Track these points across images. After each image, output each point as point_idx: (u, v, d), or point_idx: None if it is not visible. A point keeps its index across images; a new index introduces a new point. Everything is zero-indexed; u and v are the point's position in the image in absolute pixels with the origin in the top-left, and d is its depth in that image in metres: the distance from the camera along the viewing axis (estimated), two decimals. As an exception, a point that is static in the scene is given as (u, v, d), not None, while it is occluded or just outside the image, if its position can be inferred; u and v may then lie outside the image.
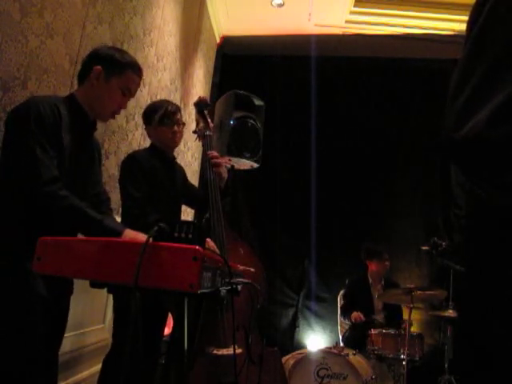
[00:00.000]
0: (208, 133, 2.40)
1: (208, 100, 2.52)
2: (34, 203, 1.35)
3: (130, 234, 1.37)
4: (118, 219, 2.02)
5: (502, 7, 0.70)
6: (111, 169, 2.60)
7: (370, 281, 3.87)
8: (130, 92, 1.59)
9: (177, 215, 2.28)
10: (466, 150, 0.70)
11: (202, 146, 2.45)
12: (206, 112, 2.44)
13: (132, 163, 2.06)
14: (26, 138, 1.33)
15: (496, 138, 0.65)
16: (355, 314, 3.56)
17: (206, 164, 2.28)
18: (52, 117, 1.39)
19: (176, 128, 2.17)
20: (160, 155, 2.16)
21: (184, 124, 2.26)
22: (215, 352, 1.92)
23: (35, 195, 1.33)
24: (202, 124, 2.43)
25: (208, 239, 1.92)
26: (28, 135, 1.33)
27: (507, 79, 0.66)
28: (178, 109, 2.22)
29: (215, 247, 1.92)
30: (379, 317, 3.71)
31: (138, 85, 1.63)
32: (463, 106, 0.70)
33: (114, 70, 1.53)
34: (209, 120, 2.42)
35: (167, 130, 2.15)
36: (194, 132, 2.48)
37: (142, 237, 1.36)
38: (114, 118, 1.65)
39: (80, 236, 1.57)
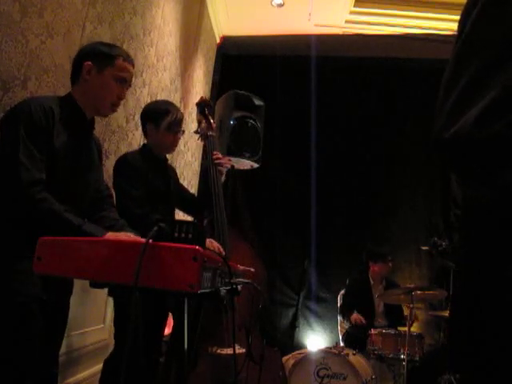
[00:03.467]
0: (211, 133, 2.39)
1: (210, 100, 2.52)
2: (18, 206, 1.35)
3: (111, 238, 1.36)
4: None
5: (492, 8, 0.70)
6: (111, 169, 2.60)
7: (371, 282, 3.86)
8: (125, 81, 1.58)
9: (172, 216, 2.27)
10: (455, 149, 0.70)
11: (204, 146, 2.44)
12: (207, 112, 2.44)
13: (125, 164, 2.05)
14: (13, 141, 1.33)
15: (484, 138, 0.65)
16: (355, 316, 3.55)
17: (209, 165, 2.28)
18: (44, 119, 1.39)
19: (178, 136, 2.17)
20: (152, 156, 2.15)
21: (184, 132, 2.24)
22: (218, 352, 1.93)
23: (15, 198, 1.33)
24: (204, 124, 2.42)
25: (212, 240, 1.93)
26: (15, 138, 1.33)
27: (496, 79, 0.66)
28: (183, 117, 2.21)
29: (220, 247, 1.92)
30: (380, 318, 3.71)
31: (132, 73, 1.61)
32: (452, 105, 0.70)
33: (105, 61, 1.53)
34: (211, 120, 2.42)
35: (171, 137, 2.13)
36: (196, 132, 2.47)
37: (124, 237, 1.36)
38: (115, 110, 1.64)
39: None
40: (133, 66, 1.62)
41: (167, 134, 2.12)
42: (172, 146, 2.18)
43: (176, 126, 2.13)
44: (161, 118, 2.11)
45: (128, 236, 1.38)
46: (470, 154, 0.68)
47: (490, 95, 0.65)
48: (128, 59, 1.59)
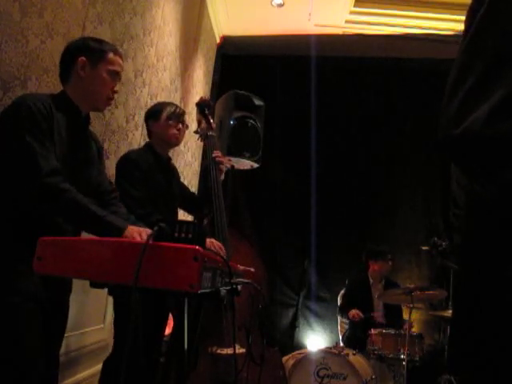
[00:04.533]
0: (211, 133, 2.39)
1: (210, 100, 2.52)
2: (27, 202, 1.34)
3: (133, 230, 1.36)
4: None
5: (498, 7, 0.70)
6: (111, 169, 2.60)
7: (371, 281, 3.87)
8: (117, 74, 1.60)
9: (174, 215, 2.28)
10: (465, 147, 0.70)
11: (204, 146, 2.45)
12: (207, 112, 2.44)
13: (128, 163, 2.05)
14: (21, 135, 1.32)
15: (495, 135, 0.65)
16: (353, 312, 3.56)
17: (210, 165, 2.28)
18: (45, 112, 1.39)
19: (181, 126, 2.20)
20: (155, 155, 2.16)
21: (188, 126, 2.28)
22: (218, 352, 1.93)
23: (36, 188, 1.32)
24: (204, 124, 2.42)
25: (213, 240, 1.93)
26: (22, 132, 1.32)
27: (506, 77, 0.66)
28: (184, 112, 2.27)
29: (221, 247, 1.92)
30: (379, 317, 3.70)
31: (122, 66, 1.63)
32: (461, 103, 0.70)
33: (97, 56, 1.54)
34: (211, 120, 2.42)
35: (174, 127, 2.16)
36: (196, 132, 2.47)
37: (145, 232, 1.36)
38: (109, 104, 1.65)
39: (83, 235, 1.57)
40: (122, 59, 1.64)
41: (168, 124, 2.15)
42: (175, 137, 2.19)
43: (176, 117, 2.17)
44: (161, 111, 2.17)
45: (146, 231, 1.38)
46: (480, 151, 0.68)
47: (498, 94, 0.65)
48: (118, 53, 1.61)
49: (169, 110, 2.17)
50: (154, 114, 2.20)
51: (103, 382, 1.94)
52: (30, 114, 1.35)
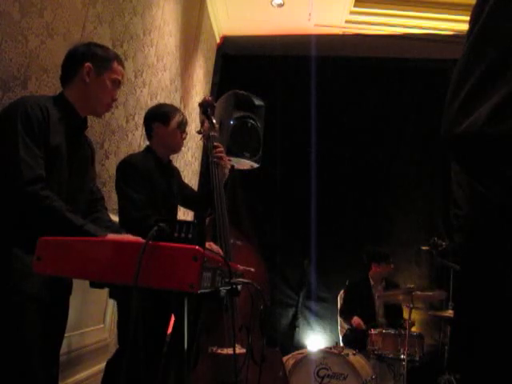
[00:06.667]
0: (213, 133, 2.39)
1: (213, 100, 2.52)
2: (19, 203, 1.34)
3: (111, 238, 1.35)
4: (116, 220, 2.01)
5: (503, 4, 0.70)
6: (111, 169, 2.60)
7: (372, 282, 3.87)
8: (119, 83, 1.63)
9: (174, 217, 2.27)
10: (467, 145, 0.70)
11: (206, 146, 2.45)
12: (210, 112, 2.44)
13: (127, 167, 2.05)
14: (11, 137, 1.33)
15: (497, 134, 0.65)
16: (357, 320, 3.56)
17: (212, 165, 2.29)
18: (41, 117, 1.39)
19: (184, 136, 2.24)
20: (156, 158, 2.16)
21: (187, 134, 2.32)
22: (219, 352, 1.93)
23: (16, 195, 1.32)
24: (206, 124, 2.42)
25: (211, 243, 1.92)
26: (13, 135, 1.32)
27: (508, 77, 0.66)
28: (187, 121, 2.32)
29: (218, 249, 1.91)
30: (380, 318, 3.71)
31: (123, 75, 1.66)
32: (463, 102, 0.70)
33: (103, 64, 1.56)
34: (214, 120, 2.43)
35: (179, 136, 2.20)
36: (199, 132, 2.48)
37: (126, 238, 1.36)
38: (108, 110, 1.68)
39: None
40: (124, 66, 1.67)
41: (176, 131, 2.18)
42: (179, 145, 2.24)
43: (184, 126, 2.21)
44: (170, 117, 2.18)
45: (128, 237, 1.38)
46: (481, 150, 0.68)
47: (501, 92, 0.65)
48: (121, 61, 1.64)
49: (177, 118, 2.19)
50: (162, 118, 2.17)
51: (106, 383, 1.94)
52: (24, 118, 1.35)
